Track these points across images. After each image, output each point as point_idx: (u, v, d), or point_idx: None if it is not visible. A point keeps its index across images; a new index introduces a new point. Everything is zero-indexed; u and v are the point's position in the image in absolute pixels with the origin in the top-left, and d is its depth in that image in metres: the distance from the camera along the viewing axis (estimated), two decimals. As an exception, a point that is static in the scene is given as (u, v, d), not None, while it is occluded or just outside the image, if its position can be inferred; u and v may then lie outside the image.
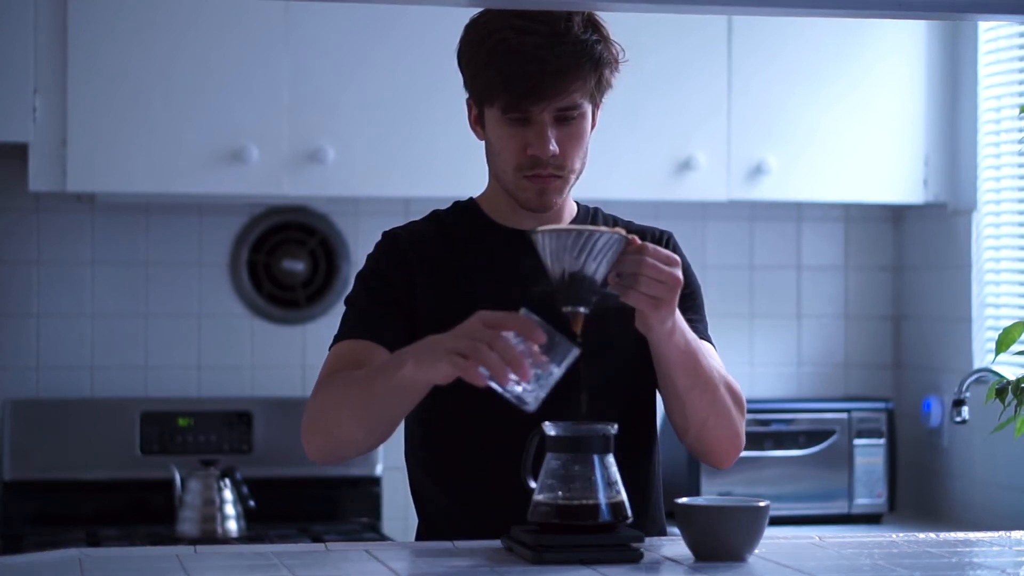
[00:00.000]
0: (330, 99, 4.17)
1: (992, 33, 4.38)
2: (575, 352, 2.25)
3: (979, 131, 4.41)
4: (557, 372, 2.24)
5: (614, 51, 2.58)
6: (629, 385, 2.62)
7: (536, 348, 2.24)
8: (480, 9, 2.62)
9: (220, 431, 4.35)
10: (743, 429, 2.63)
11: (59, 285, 4.39)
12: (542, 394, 2.24)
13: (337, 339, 2.61)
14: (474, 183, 4.31)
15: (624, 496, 2.29)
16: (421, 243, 2.64)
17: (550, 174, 2.57)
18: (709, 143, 4.35)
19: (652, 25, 4.27)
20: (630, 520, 2.30)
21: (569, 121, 2.56)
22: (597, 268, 2.25)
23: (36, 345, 4.38)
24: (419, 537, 2.64)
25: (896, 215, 4.79)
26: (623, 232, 2.29)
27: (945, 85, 4.48)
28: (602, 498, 2.27)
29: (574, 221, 2.69)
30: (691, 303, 2.68)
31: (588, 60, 2.54)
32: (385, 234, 2.69)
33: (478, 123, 2.63)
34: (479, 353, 2.23)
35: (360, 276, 2.66)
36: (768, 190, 4.40)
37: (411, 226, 2.70)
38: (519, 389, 2.24)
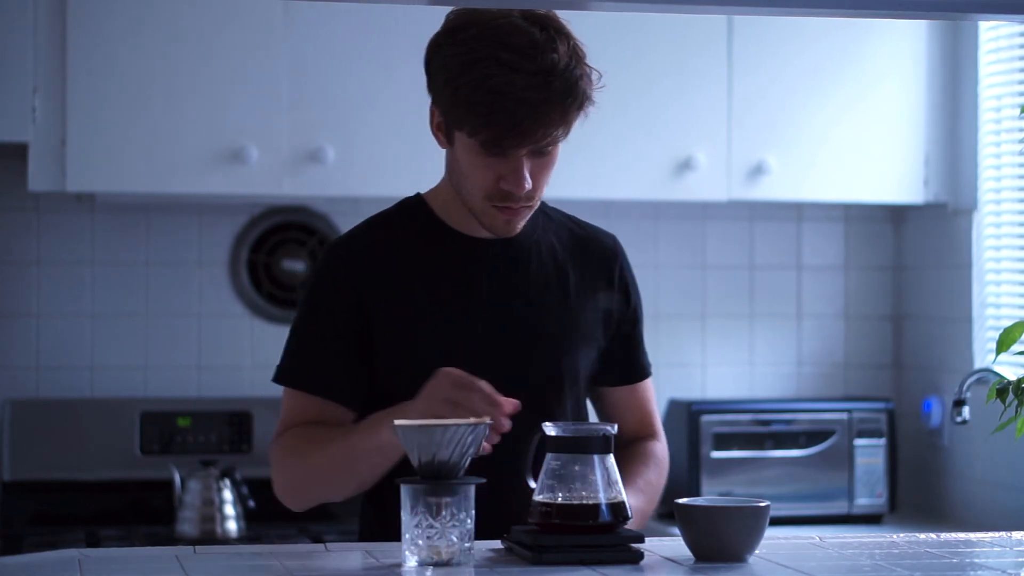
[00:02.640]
0: (330, 99, 4.17)
1: (992, 33, 4.38)
2: (471, 486, 2.23)
3: (980, 131, 4.41)
4: (470, 515, 2.22)
5: (591, 75, 2.51)
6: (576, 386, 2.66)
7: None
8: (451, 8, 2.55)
9: (220, 431, 4.35)
10: (659, 492, 2.73)
11: (59, 285, 4.39)
12: (467, 545, 2.22)
13: (289, 378, 2.60)
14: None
15: (624, 496, 2.29)
16: (371, 257, 2.59)
17: (521, 206, 2.54)
18: (709, 143, 4.35)
19: (652, 25, 4.27)
20: (630, 520, 2.30)
21: (545, 154, 2.52)
22: (453, 455, 2.21)
23: (36, 345, 4.38)
24: (364, 522, 2.67)
25: (896, 215, 4.79)
26: (480, 420, 2.24)
27: (945, 85, 4.48)
28: (602, 498, 2.27)
29: (527, 223, 2.62)
30: (632, 328, 2.72)
31: (575, 101, 2.48)
32: (332, 249, 2.63)
33: (441, 130, 2.56)
34: (471, 402, 2.32)
35: (310, 301, 2.60)
36: (768, 190, 4.39)
37: (359, 236, 2.63)
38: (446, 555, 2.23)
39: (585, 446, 2.28)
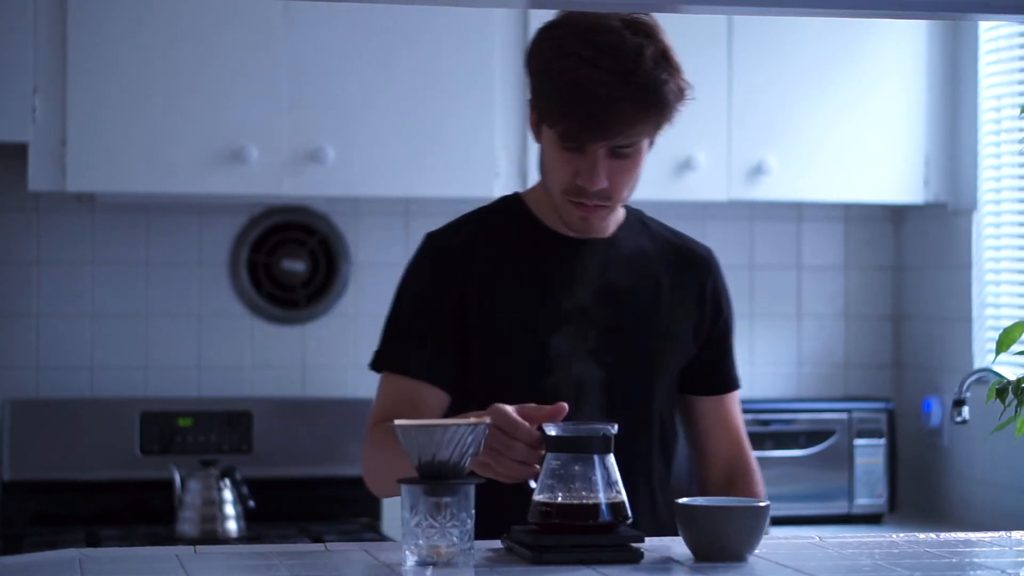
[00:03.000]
0: (330, 99, 4.17)
1: (992, 33, 4.38)
2: (472, 486, 2.21)
3: (979, 131, 4.41)
4: (470, 515, 2.21)
5: (681, 86, 2.57)
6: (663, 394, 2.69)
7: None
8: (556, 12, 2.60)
9: (220, 431, 4.35)
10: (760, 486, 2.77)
11: (59, 285, 4.38)
12: (467, 545, 2.20)
13: (385, 363, 2.63)
14: (474, 183, 4.32)
15: (624, 496, 2.29)
16: (466, 249, 2.64)
17: (596, 204, 2.58)
18: (709, 143, 4.35)
19: (652, 25, 4.26)
20: (630, 520, 2.30)
21: (623, 156, 2.56)
22: (453, 455, 2.20)
23: (36, 345, 4.37)
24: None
25: (896, 215, 4.79)
26: (480, 420, 2.23)
27: (945, 85, 4.48)
28: (602, 498, 2.27)
29: (621, 227, 2.69)
30: (722, 340, 2.75)
31: (652, 103, 2.53)
32: (429, 240, 2.67)
33: (535, 126, 2.62)
34: (511, 452, 2.32)
35: (406, 290, 2.66)
36: (768, 190, 4.39)
37: (455, 229, 2.68)
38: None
39: (585, 446, 2.28)
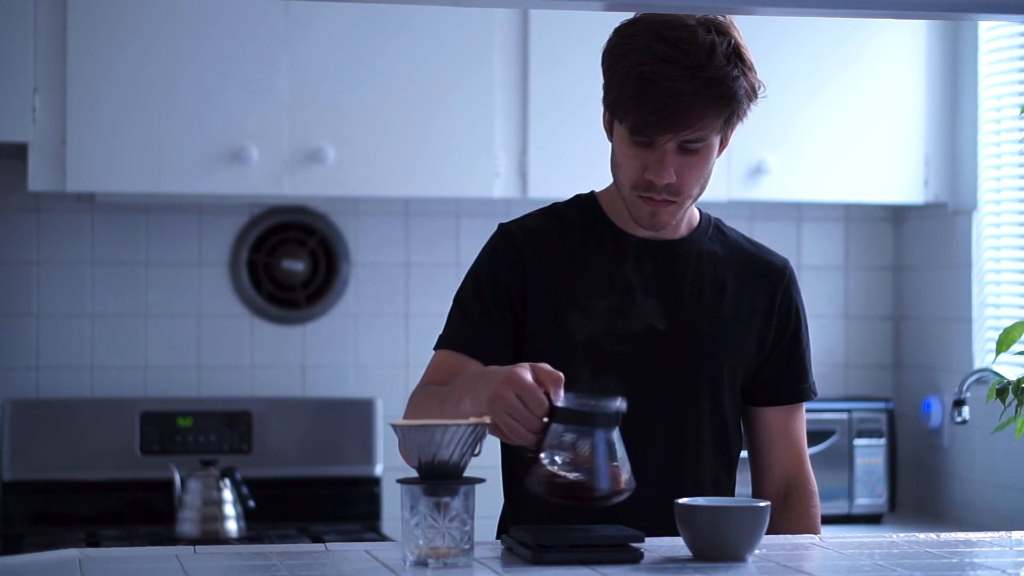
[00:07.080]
0: (330, 99, 4.17)
1: (992, 33, 4.38)
2: (472, 486, 2.22)
3: (979, 131, 4.41)
4: (470, 514, 2.21)
5: (754, 84, 2.57)
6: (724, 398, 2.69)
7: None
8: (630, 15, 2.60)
9: (220, 431, 4.35)
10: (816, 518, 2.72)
11: (59, 285, 4.39)
12: (467, 545, 2.20)
13: (441, 341, 2.66)
14: (474, 183, 4.32)
15: (626, 470, 2.30)
16: (536, 241, 2.66)
17: (664, 199, 2.58)
18: (709, 143, 4.35)
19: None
20: (627, 491, 2.31)
21: (692, 151, 2.56)
22: (453, 455, 2.20)
23: (36, 345, 4.38)
24: (503, 519, 2.69)
25: (896, 215, 4.79)
26: (480, 420, 2.23)
27: (945, 85, 4.48)
28: (602, 470, 2.28)
29: (693, 231, 2.69)
30: (789, 351, 2.71)
31: (722, 97, 2.53)
32: (501, 229, 2.70)
33: (608, 125, 2.63)
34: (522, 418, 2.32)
35: (472, 275, 2.69)
36: (768, 190, 4.39)
37: (527, 221, 2.70)
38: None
39: (589, 420, 2.29)
